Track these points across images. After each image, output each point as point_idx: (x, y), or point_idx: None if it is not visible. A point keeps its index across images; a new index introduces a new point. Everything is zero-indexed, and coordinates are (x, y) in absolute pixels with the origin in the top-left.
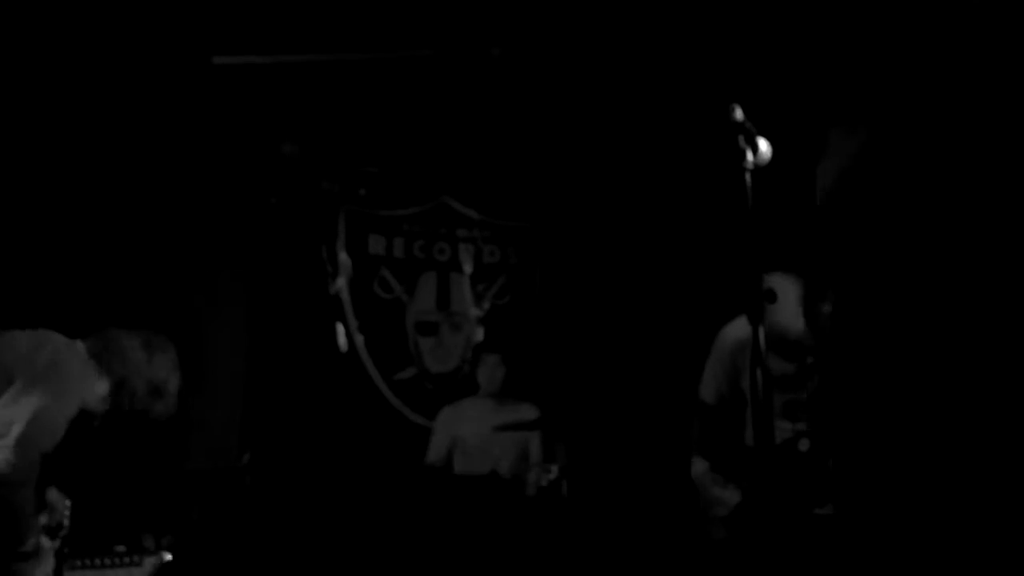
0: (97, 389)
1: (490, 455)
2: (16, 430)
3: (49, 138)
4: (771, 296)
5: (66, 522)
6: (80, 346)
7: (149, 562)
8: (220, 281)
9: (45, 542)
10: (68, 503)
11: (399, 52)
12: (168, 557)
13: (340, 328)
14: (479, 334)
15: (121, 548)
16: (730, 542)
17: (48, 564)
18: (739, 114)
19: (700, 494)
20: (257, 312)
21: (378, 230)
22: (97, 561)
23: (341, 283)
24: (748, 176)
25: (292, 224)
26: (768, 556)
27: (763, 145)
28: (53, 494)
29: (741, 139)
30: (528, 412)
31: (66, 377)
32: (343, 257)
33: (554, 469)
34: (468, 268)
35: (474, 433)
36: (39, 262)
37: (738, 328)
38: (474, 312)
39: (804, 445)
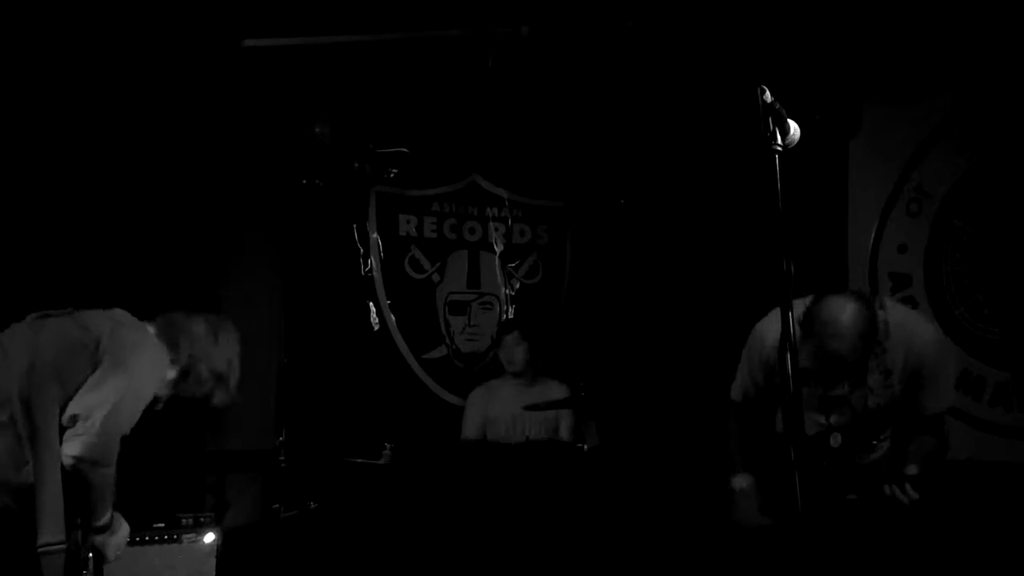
0: (168, 373)
1: (520, 435)
2: (100, 413)
3: (85, 124)
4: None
5: None
6: (151, 329)
7: (187, 539)
8: (254, 262)
9: (118, 514)
10: None
11: (428, 32)
12: (212, 538)
13: (372, 308)
14: (510, 313)
15: (160, 525)
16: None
17: (123, 532)
18: (768, 96)
19: (737, 504)
20: (291, 293)
21: (409, 210)
22: (137, 538)
23: (372, 263)
24: (777, 158)
25: (324, 205)
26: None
27: (792, 127)
28: None
29: (771, 121)
30: (558, 391)
31: (147, 360)
32: (374, 237)
33: (585, 448)
34: (498, 247)
35: (505, 413)
36: (76, 247)
37: (769, 326)
38: (504, 291)
39: (836, 440)
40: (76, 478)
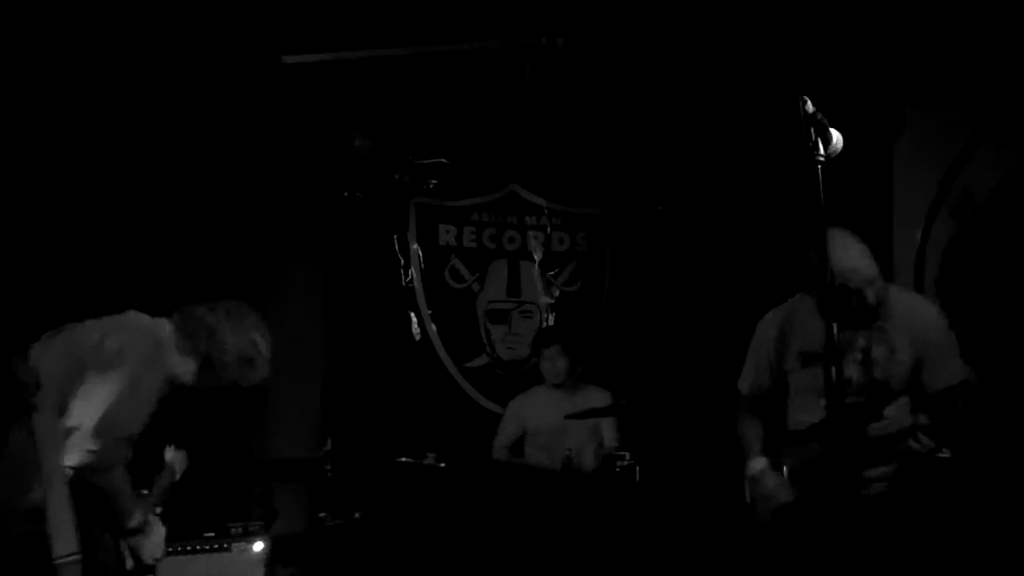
0: (181, 366)
1: (562, 443)
2: (89, 422)
3: (130, 138)
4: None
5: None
6: (164, 324)
7: (237, 548)
8: (297, 274)
9: (152, 517)
10: (184, 454)
11: (465, 44)
12: (261, 547)
13: (413, 318)
14: (550, 320)
15: (210, 534)
16: (776, 525)
17: (158, 534)
18: (810, 106)
19: (754, 490)
20: (333, 304)
21: (448, 220)
22: (188, 547)
23: (413, 273)
24: (820, 168)
25: (364, 217)
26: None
27: (835, 136)
28: (170, 453)
29: (813, 131)
30: (600, 398)
31: (137, 360)
32: (414, 248)
33: (627, 455)
34: (538, 256)
35: (546, 423)
36: (126, 263)
37: (777, 315)
38: (544, 300)
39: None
40: (87, 487)
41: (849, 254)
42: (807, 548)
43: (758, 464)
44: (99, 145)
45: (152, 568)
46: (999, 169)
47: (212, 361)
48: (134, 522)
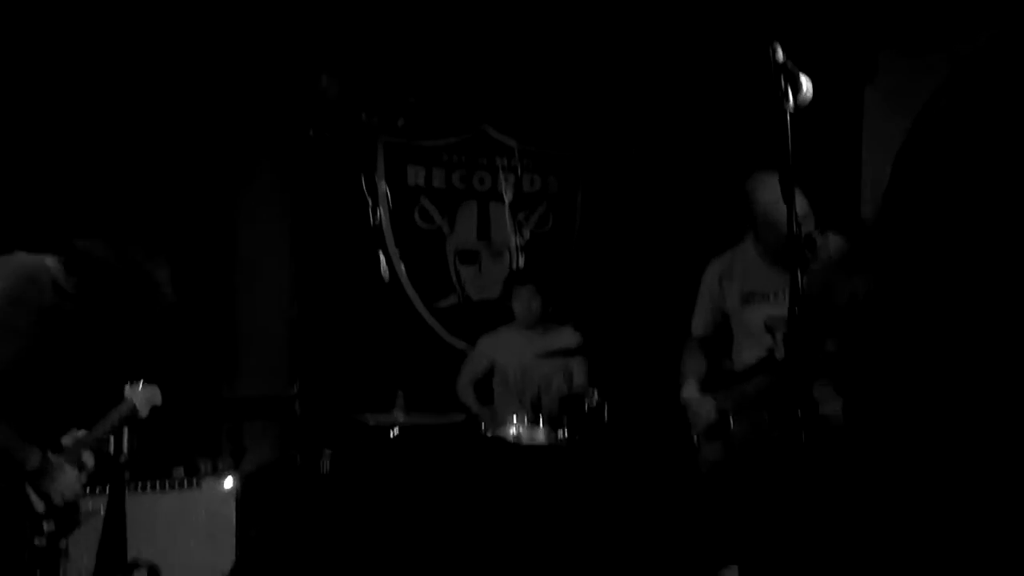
0: (49, 300)
1: (532, 382)
2: None
3: (95, 76)
4: (812, 245)
5: (126, 449)
6: (44, 259)
7: (207, 484)
8: (265, 215)
9: (56, 459)
10: (153, 391)
11: None
12: (231, 483)
13: (382, 258)
14: (520, 262)
15: (179, 472)
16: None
17: (66, 474)
18: (780, 55)
19: (688, 414)
20: (301, 244)
21: (417, 160)
22: (157, 484)
23: (382, 214)
24: (789, 118)
25: (332, 156)
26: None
27: (805, 85)
28: (131, 389)
29: (783, 80)
30: (570, 338)
31: None
32: (383, 188)
33: (596, 394)
34: (508, 197)
35: (515, 361)
36: (94, 205)
37: (720, 262)
38: (515, 241)
39: (780, 354)
40: None
41: (780, 193)
42: (750, 485)
43: (687, 390)
44: (61, 80)
45: (66, 510)
46: (967, 114)
47: (99, 295)
48: (30, 465)
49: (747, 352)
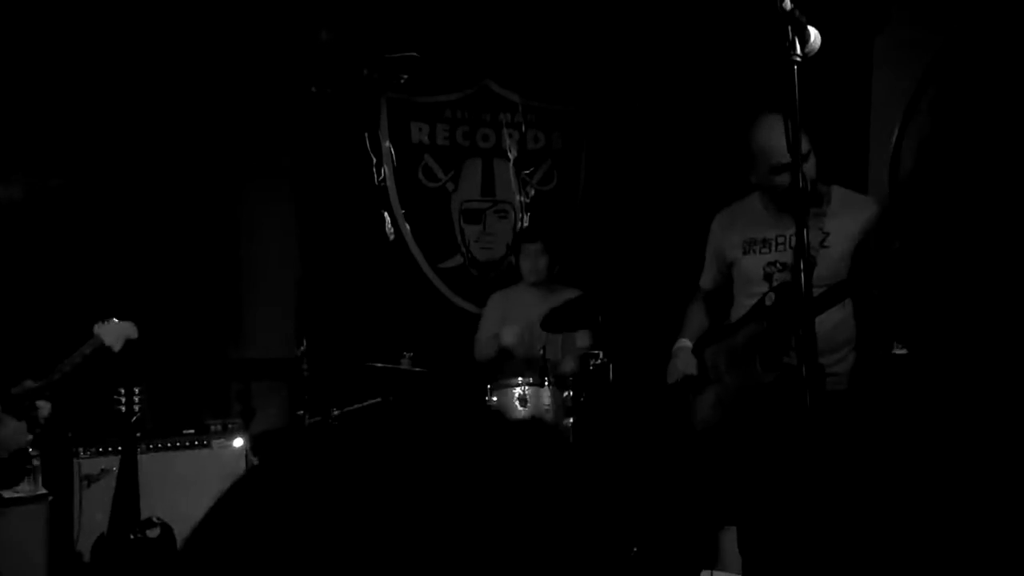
0: None
1: (539, 339)
2: None
3: (97, 36)
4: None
5: (137, 408)
6: None
7: (217, 444)
8: (268, 175)
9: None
10: (128, 327)
11: None
12: (240, 443)
13: (387, 217)
14: (525, 220)
15: (190, 431)
16: (709, 424)
17: (9, 427)
18: (788, 3)
19: (669, 363)
20: (304, 204)
21: (420, 117)
22: (168, 444)
23: (386, 172)
24: (796, 68)
25: (334, 114)
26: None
27: (813, 35)
28: (102, 326)
29: (790, 30)
30: (575, 297)
31: None
32: (386, 145)
33: (600, 354)
34: (512, 154)
35: (521, 319)
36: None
37: (727, 212)
38: (519, 198)
39: (770, 299)
40: None
41: (779, 131)
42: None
43: (678, 343)
44: (65, 47)
45: (11, 462)
46: (979, 65)
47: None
48: None
49: (744, 303)
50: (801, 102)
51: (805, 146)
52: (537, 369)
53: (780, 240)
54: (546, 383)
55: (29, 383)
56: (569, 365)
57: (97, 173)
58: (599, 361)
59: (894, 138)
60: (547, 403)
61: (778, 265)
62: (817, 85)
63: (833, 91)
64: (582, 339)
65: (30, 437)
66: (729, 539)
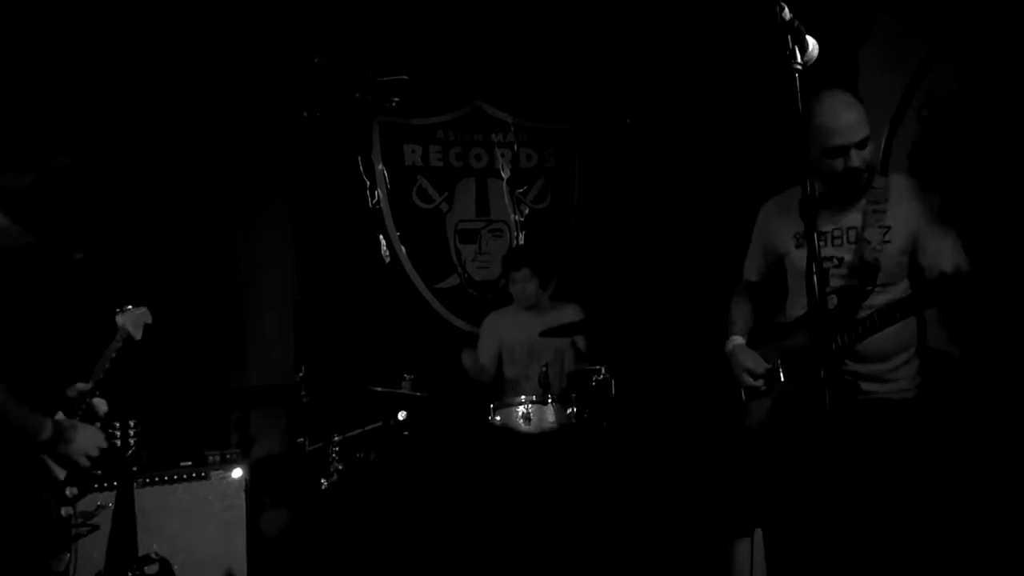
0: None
1: (537, 358)
2: None
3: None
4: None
5: (132, 442)
6: None
7: (216, 476)
8: (263, 200)
9: (67, 421)
10: (143, 312)
11: None
12: (240, 473)
13: (382, 240)
14: (520, 239)
15: (187, 463)
16: (766, 429)
17: (83, 435)
18: (787, 13)
19: (732, 366)
20: (300, 229)
21: (413, 139)
22: (166, 476)
23: (380, 195)
24: (797, 76)
25: (327, 137)
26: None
27: (811, 44)
28: (123, 316)
29: (790, 39)
30: (572, 314)
31: None
32: (380, 168)
33: (602, 369)
34: (506, 173)
35: (520, 340)
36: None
37: (776, 200)
38: (514, 217)
39: (832, 302)
40: None
41: (837, 111)
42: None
43: (732, 341)
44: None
45: (88, 470)
46: (965, 74)
47: (37, 219)
48: (45, 434)
49: (799, 302)
50: (791, 117)
51: (863, 131)
52: (539, 385)
53: (837, 234)
54: (549, 400)
55: (81, 385)
56: (563, 375)
57: (93, 196)
58: (601, 376)
59: (882, 146)
60: (551, 420)
61: (835, 260)
62: (804, 96)
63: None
64: (581, 343)
65: (105, 444)
66: (742, 551)
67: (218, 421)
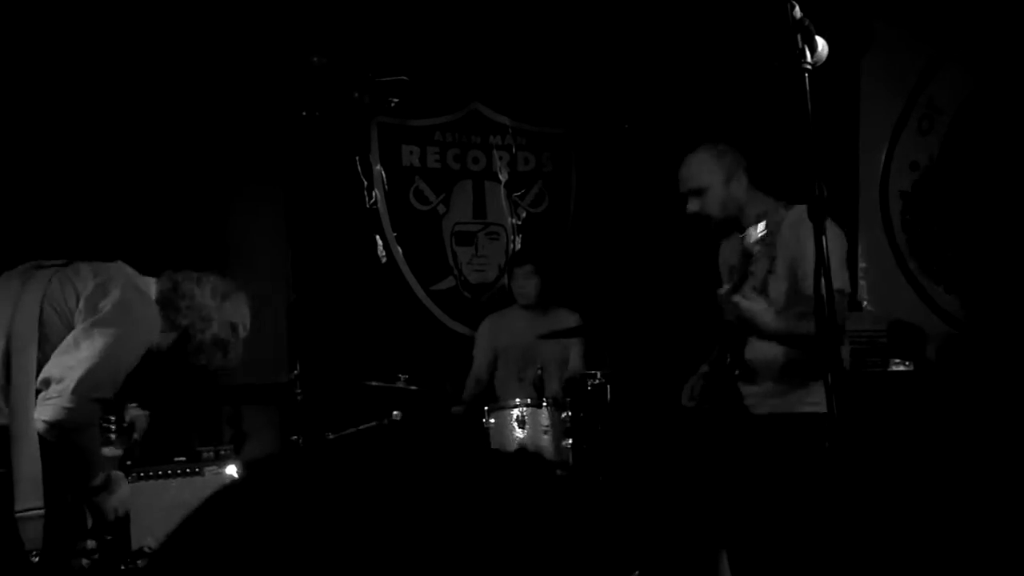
0: (161, 339)
1: (533, 362)
2: (74, 376)
3: (84, 66)
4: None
5: (137, 436)
6: (151, 285)
7: (209, 472)
8: (259, 198)
9: (116, 473)
10: (146, 414)
11: None
12: (233, 470)
13: (379, 241)
14: (517, 243)
15: (181, 459)
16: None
17: (123, 490)
18: (798, 12)
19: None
20: (296, 227)
21: (411, 140)
22: (159, 472)
23: (377, 195)
24: (807, 77)
25: (325, 137)
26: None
27: (820, 44)
28: (132, 412)
29: (799, 38)
30: (569, 319)
31: (133, 321)
32: (377, 169)
33: (598, 374)
34: (503, 176)
35: (516, 343)
36: (80, 188)
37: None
38: (511, 221)
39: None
40: (55, 442)
41: (688, 161)
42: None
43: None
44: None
45: (114, 525)
46: (965, 84)
47: (189, 340)
48: (98, 480)
49: None
50: (800, 118)
51: (712, 177)
52: (533, 389)
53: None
54: (544, 404)
55: (114, 449)
56: (554, 387)
57: (86, 196)
58: (597, 381)
59: (883, 155)
60: (545, 424)
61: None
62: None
63: (822, 111)
64: (575, 358)
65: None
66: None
67: (211, 418)
